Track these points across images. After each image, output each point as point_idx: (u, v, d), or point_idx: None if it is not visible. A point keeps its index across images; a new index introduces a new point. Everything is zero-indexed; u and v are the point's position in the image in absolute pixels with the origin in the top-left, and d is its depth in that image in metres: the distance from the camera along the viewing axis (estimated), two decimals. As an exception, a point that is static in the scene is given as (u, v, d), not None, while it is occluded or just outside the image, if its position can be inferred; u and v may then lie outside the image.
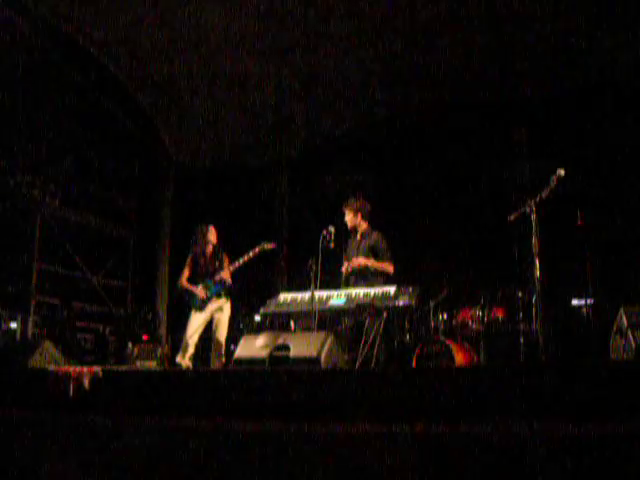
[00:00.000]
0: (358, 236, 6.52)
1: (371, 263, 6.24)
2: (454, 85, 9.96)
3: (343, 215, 6.57)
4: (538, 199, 5.12)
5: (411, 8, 8.91)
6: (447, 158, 10.09)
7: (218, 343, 7.03)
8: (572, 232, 6.51)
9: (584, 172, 8.29)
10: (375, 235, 6.43)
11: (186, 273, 7.18)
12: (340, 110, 10.82)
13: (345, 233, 6.59)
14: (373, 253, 6.31)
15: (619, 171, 8.88)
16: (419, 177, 10.31)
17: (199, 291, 7.00)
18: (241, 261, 7.03)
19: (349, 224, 6.54)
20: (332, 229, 5.95)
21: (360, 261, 6.25)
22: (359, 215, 6.50)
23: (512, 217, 5.33)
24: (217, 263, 7.12)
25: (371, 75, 10.08)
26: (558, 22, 8.69)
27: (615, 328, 4.58)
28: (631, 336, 4.19)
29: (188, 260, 7.23)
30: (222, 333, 7.06)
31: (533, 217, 5.09)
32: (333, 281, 6.38)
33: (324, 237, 5.90)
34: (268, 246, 7.07)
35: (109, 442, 4.46)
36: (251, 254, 7.01)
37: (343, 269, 6.32)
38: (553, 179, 5.05)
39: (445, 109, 10.27)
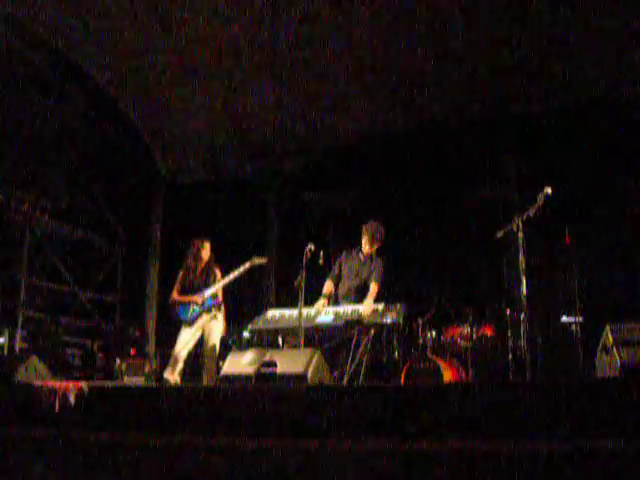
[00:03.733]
0: (362, 255, 6.46)
1: (372, 298, 6.13)
2: (442, 104, 10.03)
3: (356, 241, 6.48)
4: (525, 217, 5.14)
5: (397, 37, 9.01)
6: (435, 176, 10.14)
7: (211, 353, 6.82)
8: (559, 250, 6.55)
9: (571, 190, 8.36)
10: (379, 260, 6.41)
11: (178, 287, 7.06)
12: (331, 128, 10.86)
13: (334, 250, 6.56)
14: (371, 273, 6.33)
15: (606, 189, 8.95)
16: (407, 194, 10.34)
17: (195, 298, 6.84)
18: (232, 277, 6.88)
19: (368, 251, 6.45)
20: (312, 247, 5.86)
21: (371, 307, 5.92)
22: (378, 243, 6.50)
23: (499, 235, 5.35)
24: (209, 278, 6.98)
25: (361, 94, 10.13)
26: (543, 44, 8.79)
27: (600, 345, 4.59)
28: (616, 353, 4.20)
29: (180, 274, 7.13)
30: (215, 343, 6.84)
31: (520, 235, 5.11)
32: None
33: (305, 255, 5.82)
34: (259, 261, 6.94)
35: (94, 458, 4.43)
36: (242, 269, 6.87)
37: (363, 312, 5.81)
38: (540, 197, 5.07)
39: (433, 128, 10.34)
